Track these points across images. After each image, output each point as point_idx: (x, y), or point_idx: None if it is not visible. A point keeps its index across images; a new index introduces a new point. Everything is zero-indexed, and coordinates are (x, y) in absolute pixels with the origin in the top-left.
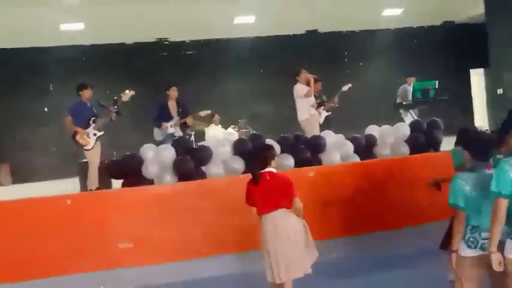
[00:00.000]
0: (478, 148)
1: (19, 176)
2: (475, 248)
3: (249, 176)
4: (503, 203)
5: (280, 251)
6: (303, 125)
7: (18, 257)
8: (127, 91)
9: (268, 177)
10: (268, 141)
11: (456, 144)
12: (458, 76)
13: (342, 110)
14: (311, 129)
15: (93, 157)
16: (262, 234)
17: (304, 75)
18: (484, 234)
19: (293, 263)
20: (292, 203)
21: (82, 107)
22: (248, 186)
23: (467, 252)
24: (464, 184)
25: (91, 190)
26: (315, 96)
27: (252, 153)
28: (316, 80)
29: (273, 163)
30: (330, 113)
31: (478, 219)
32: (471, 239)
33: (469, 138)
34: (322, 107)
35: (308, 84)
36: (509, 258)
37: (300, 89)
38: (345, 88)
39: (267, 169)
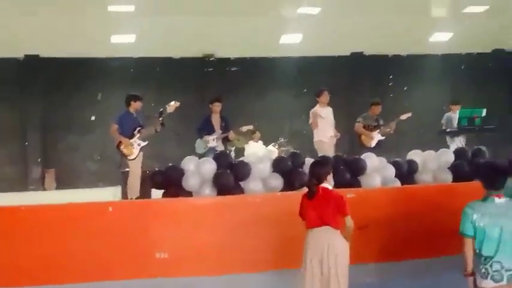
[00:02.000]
0: (489, 177)
1: (63, 182)
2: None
3: (288, 193)
4: None
5: (320, 268)
6: (316, 146)
7: (59, 260)
8: (172, 102)
9: (321, 192)
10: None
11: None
12: (507, 105)
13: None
14: (321, 152)
15: (136, 167)
16: (306, 248)
17: (325, 97)
18: (495, 266)
19: (333, 283)
20: (343, 221)
21: (129, 118)
22: (302, 199)
23: (484, 283)
24: (472, 213)
25: (131, 199)
26: (373, 118)
27: (309, 169)
28: (376, 103)
29: (328, 179)
30: (383, 137)
31: (487, 249)
32: (483, 270)
33: (480, 167)
34: (378, 131)
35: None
36: None
37: (312, 111)
38: (404, 117)
39: (322, 185)
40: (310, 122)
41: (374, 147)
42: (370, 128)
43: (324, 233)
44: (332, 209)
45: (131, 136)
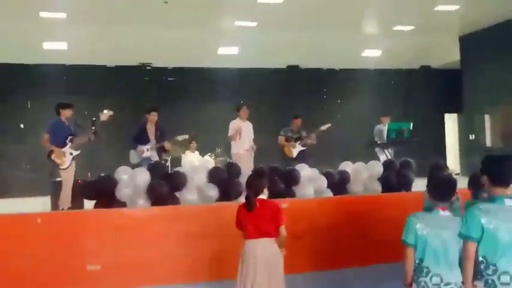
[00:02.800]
0: (439, 189)
1: None
2: None
3: (224, 203)
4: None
5: (260, 279)
6: (233, 158)
7: None
8: (105, 111)
9: (258, 205)
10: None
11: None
12: (433, 119)
13: (318, 145)
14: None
15: (68, 176)
16: (242, 258)
17: (245, 111)
18: (435, 279)
19: None
20: (278, 231)
21: (60, 126)
22: (239, 210)
23: None
24: (416, 221)
25: (62, 209)
26: (294, 131)
27: (247, 181)
28: (296, 117)
29: (265, 191)
30: (305, 148)
31: (428, 260)
32: (422, 284)
33: (428, 178)
34: (299, 142)
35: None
36: None
37: (232, 124)
38: (324, 128)
39: (260, 196)
40: (229, 135)
41: (298, 157)
42: (291, 140)
43: (260, 243)
44: (269, 220)
45: (63, 145)
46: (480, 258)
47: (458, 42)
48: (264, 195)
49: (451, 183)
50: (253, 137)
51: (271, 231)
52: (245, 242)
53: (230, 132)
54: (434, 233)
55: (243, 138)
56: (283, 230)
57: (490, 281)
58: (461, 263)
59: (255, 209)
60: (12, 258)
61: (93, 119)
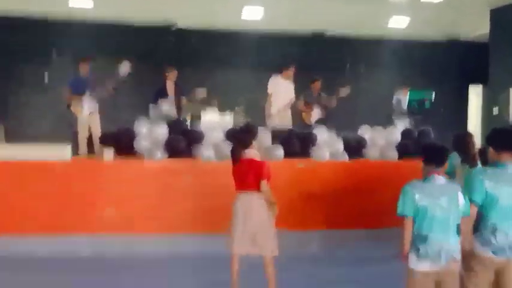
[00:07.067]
0: (429, 152)
1: (13, 138)
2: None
3: None
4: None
5: (248, 227)
6: (269, 117)
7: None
8: (124, 62)
9: (246, 160)
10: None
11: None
12: (457, 91)
13: (339, 114)
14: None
15: (83, 127)
16: (233, 211)
17: (288, 72)
18: (435, 246)
19: (261, 240)
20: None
21: (79, 80)
22: (233, 165)
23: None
24: (415, 193)
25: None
26: (313, 96)
27: (234, 135)
28: (314, 80)
29: (254, 144)
30: (323, 115)
31: (427, 228)
32: (420, 251)
33: (422, 146)
34: (317, 105)
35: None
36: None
37: (271, 80)
38: (343, 91)
39: (247, 150)
40: (268, 92)
41: (314, 123)
42: (310, 105)
43: (247, 197)
44: (253, 175)
45: (82, 96)
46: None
47: (489, 15)
48: (254, 151)
49: (438, 147)
50: (293, 97)
51: (252, 185)
52: (236, 196)
53: (269, 90)
54: (433, 202)
55: (280, 97)
56: (264, 184)
57: (486, 237)
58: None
59: (240, 163)
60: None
61: (115, 73)
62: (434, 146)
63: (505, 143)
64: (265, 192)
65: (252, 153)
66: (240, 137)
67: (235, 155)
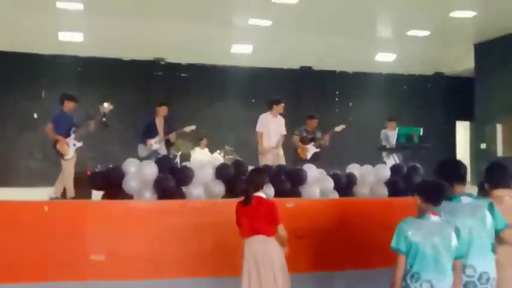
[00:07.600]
0: (430, 192)
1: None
2: None
3: (230, 200)
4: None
5: (258, 277)
6: (259, 154)
7: None
8: (105, 104)
9: (255, 202)
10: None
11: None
12: (444, 126)
13: (328, 148)
14: (268, 161)
15: (69, 167)
16: (243, 257)
17: (277, 108)
18: (425, 285)
19: (281, 284)
20: (275, 230)
21: (63, 117)
22: (237, 206)
23: None
24: (408, 228)
25: (56, 198)
26: (309, 132)
27: (248, 175)
28: (312, 117)
29: (265, 189)
30: (319, 150)
31: (419, 265)
32: None
33: (420, 183)
34: (313, 143)
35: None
36: None
37: (261, 118)
38: (338, 129)
39: (258, 193)
40: (256, 130)
41: (311, 159)
42: (305, 141)
43: (258, 242)
44: (264, 218)
45: (67, 136)
46: None
47: (473, 50)
48: (263, 194)
49: (440, 187)
50: (284, 133)
51: (264, 229)
52: (243, 241)
53: (257, 128)
54: (426, 239)
55: (270, 134)
56: (281, 229)
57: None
58: (493, 249)
59: (251, 205)
60: (18, 244)
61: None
62: (433, 186)
63: (455, 175)
64: (282, 237)
65: (260, 193)
66: (254, 178)
67: (248, 196)
